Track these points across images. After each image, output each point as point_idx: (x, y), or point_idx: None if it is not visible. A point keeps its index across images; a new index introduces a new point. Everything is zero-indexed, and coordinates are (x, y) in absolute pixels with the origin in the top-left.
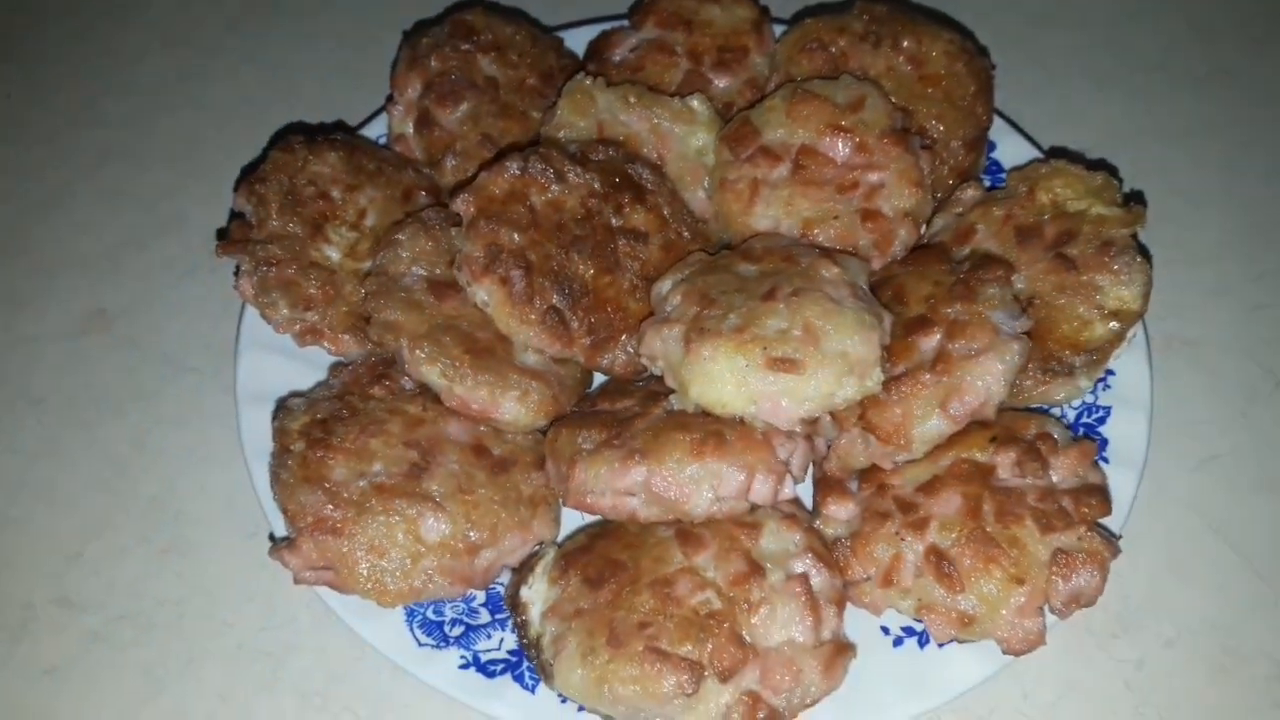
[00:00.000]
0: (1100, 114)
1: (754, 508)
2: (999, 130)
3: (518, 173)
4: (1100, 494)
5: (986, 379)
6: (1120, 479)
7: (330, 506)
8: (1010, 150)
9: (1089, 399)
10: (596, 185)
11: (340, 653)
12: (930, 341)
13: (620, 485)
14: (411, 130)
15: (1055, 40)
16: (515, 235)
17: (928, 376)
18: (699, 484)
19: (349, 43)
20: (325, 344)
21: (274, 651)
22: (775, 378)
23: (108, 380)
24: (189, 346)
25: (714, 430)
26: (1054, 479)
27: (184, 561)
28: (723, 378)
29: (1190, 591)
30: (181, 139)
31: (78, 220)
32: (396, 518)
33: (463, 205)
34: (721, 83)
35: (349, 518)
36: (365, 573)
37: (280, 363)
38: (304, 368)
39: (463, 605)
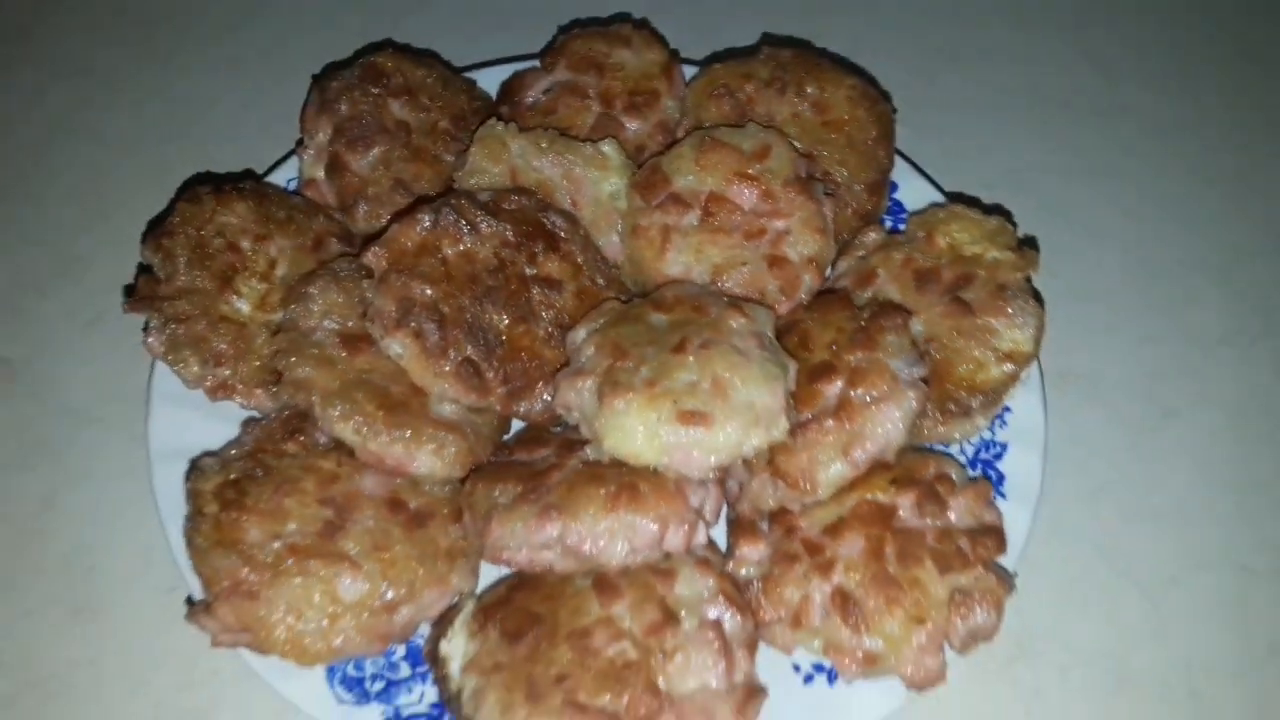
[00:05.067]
0: (1005, 150)
1: (669, 555)
2: (901, 171)
3: (430, 226)
4: (995, 534)
5: (886, 426)
6: (1016, 513)
7: (245, 570)
8: (912, 192)
9: (987, 435)
10: (509, 235)
11: (263, 709)
12: (833, 388)
13: (536, 540)
14: (323, 175)
15: (959, 77)
16: (428, 288)
17: (831, 423)
18: (614, 537)
19: (257, 81)
20: (238, 399)
21: (194, 709)
22: (686, 430)
23: (11, 434)
24: (96, 399)
25: (628, 482)
26: (952, 518)
27: (97, 621)
28: (635, 431)
29: (1084, 619)
30: (80, 175)
31: None
32: (312, 579)
33: (374, 259)
34: (633, 126)
35: (264, 581)
36: (282, 635)
37: (192, 418)
38: (217, 422)
39: (383, 660)
